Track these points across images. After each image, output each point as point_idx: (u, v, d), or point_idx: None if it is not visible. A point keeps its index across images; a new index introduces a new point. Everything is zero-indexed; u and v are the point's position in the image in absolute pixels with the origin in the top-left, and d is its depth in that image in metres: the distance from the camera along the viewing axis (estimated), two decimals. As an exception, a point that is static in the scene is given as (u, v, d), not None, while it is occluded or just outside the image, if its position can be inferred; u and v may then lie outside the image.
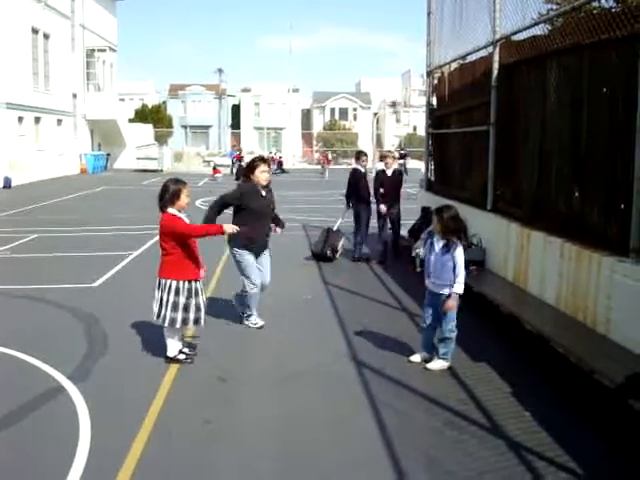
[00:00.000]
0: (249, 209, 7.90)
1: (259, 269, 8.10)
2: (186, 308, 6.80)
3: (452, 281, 6.69)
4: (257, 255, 8.09)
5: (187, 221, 6.88)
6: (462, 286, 6.72)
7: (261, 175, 7.95)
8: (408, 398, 6.21)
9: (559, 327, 7.19)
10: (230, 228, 7.10)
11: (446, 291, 6.75)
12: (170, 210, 6.79)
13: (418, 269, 7.11)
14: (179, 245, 6.76)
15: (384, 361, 7.16)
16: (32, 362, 6.93)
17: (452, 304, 6.72)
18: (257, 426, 5.61)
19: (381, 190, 12.92)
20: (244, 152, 46.30)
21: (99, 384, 6.43)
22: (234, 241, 7.92)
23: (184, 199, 6.84)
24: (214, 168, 41.78)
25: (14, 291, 10.14)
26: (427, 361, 7.04)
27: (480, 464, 4.94)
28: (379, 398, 6.16)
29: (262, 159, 8.25)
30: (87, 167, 43.38)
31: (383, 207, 12.80)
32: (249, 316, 8.26)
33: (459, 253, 6.71)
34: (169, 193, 6.78)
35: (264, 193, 8.07)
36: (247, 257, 7.97)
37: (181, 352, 7.03)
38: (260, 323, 8.24)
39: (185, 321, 6.83)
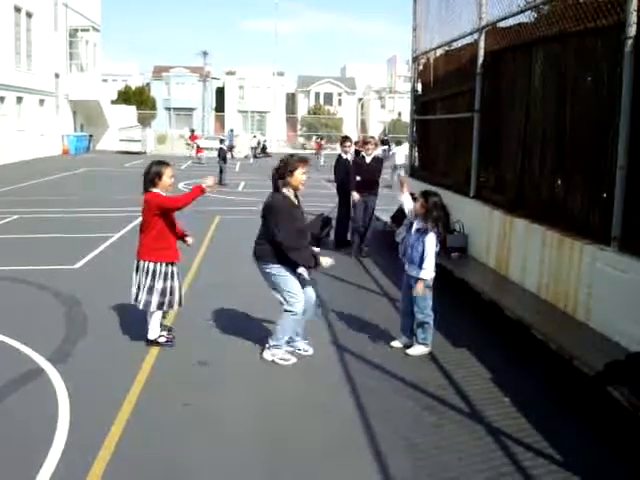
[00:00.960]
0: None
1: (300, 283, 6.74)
2: (163, 292, 6.78)
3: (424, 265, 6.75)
4: (294, 270, 6.70)
5: None
6: (429, 272, 6.76)
7: (300, 177, 6.57)
8: (388, 383, 6.23)
9: (540, 314, 7.22)
10: (211, 180, 6.78)
11: (415, 273, 6.80)
12: (153, 190, 6.77)
13: (400, 254, 7.12)
14: (160, 226, 6.74)
15: (365, 346, 7.18)
16: (11, 344, 6.87)
17: (420, 289, 6.77)
18: (237, 410, 5.61)
19: (357, 178, 12.04)
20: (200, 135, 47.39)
21: (79, 366, 6.40)
22: (266, 257, 6.57)
23: (166, 180, 6.80)
24: (198, 147, 41.87)
25: (-6, 272, 10.06)
26: (407, 346, 7.06)
27: (459, 449, 4.97)
28: (360, 383, 6.18)
29: (302, 160, 6.75)
30: (69, 148, 42.95)
31: (357, 196, 12.02)
32: (276, 346, 6.73)
33: (430, 239, 6.73)
34: (150, 174, 6.77)
35: (296, 201, 6.70)
36: (281, 268, 6.54)
37: (162, 335, 7.01)
38: (292, 360, 6.76)
39: (161, 305, 6.81)
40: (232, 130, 50.66)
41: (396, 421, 5.45)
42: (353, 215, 12.40)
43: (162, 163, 6.92)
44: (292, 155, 6.85)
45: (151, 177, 6.76)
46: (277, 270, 6.54)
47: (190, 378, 6.26)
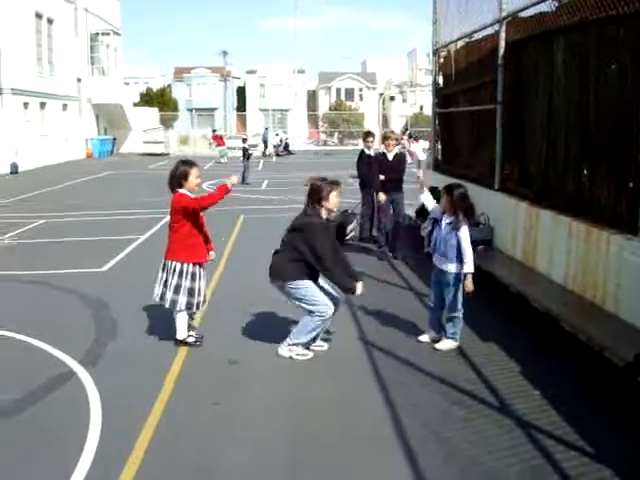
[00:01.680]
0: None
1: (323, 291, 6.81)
2: (190, 292, 6.81)
3: (456, 259, 6.72)
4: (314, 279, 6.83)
5: None
6: (472, 265, 6.72)
7: (335, 200, 6.71)
8: (417, 378, 6.22)
9: (568, 306, 7.17)
10: (235, 179, 6.87)
11: (450, 268, 6.77)
12: (180, 191, 6.80)
13: (426, 249, 7.10)
14: (188, 226, 6.77)
15: (393, 341, 7.17)
16: (42, 347, 6.96)
17: (469, 285, 6.73)
18: (267, 408, 5.64)
19: (381, 177, 11.47)
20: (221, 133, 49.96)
21: (109, 368, 6.47)
22: (289, 273, 6.67)
23: (192, 180, 6.83)
24: (220, 137, 42.70)
25: (23, 276, 10.18)
26: (436, 341, 7.05)
27: (489, 442, 4.96)
28: (388, 378, 6.18)
29: (334, 183, 6.80)
30: (93, 152, 43.33)
31: (383, 196, 11.40)
32: (296, 344, 6.80)
33: (464, 232, 6.70)
34: (177, 175, 6.80)
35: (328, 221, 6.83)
36: (308, 282, 6.65)
37: (190, 335, 7.05)
38: (310, 354, 6.85)
39: (190, 305, 6.85)
40: (267, 128, 53.15)
41: (425, 415, 5.44)
42: (378, 216, 12.01)
43: (188, 163, 6.92)
44: (323, 179, 6.86)
45: (177, 177, 6.79)
46: (300, 284, 6.63)
47: (219, 377, 6.29)
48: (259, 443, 5.02)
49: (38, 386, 5.96)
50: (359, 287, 6.69)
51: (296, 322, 6.92)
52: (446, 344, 6.95)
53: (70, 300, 8.89)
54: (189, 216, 6.78)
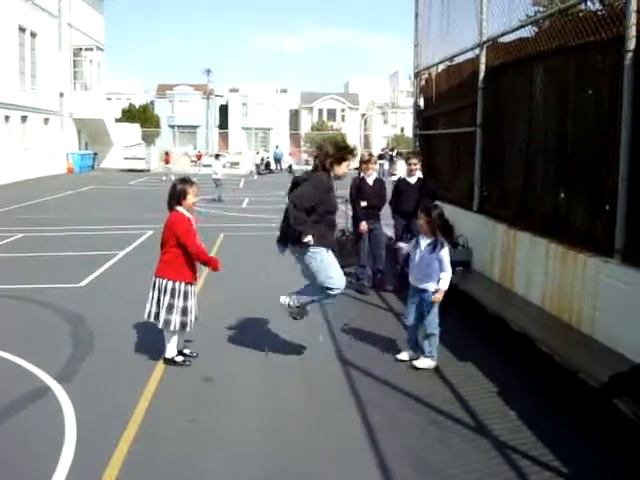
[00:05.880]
0: (326, 207, 6.76)
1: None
2: (184, 311, 6.77)
3: (435, 278, 6.78)
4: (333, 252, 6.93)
5: (194, 224, 6.92)
6: (447, 282, 6.81)
7: (346, 169, 6.94)
8: (394, 397, 6.23)
9: (544, 327, 7.22)
10: (222, 269, 7.03)
11: (429, 286, 6.83)
12: (178, 209, 6.82)
13: (402, 267, 7.14)
14: (181, 245, 6.76)
15: (370, 360, 7.18)
16: (18, 362, 6.89)
17: (438, 297, 6.81)
18: (243, 426, 5.61)
19: (362, 203, 10.31)
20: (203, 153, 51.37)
21: (85, 384, 6.41)
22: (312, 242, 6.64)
23: (190, 198, 6.85)
24: (166, 154, 41.51)
25: None
26: (413, 359, 7.07)
27: (465, 462, 4.97)
28: (366, 397, 6.18)
29: (351, 152, 7.02)
30: (74, 166, 43.11)
31: (364, 225, 10.25)
32: (298, 306, 6.99)
33: (445, 253, 6.78)
34: (175, 193, 6.82)
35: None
36: (327, 254, 6.71)
37: (179, 354, 6.99)
38: (300, 318, 7.15)
39: (183, 325, 6.79)
40: (277, 146, 56.75)
41: (402, 434, 5.45)
42: (359, 249, 10.61)
43: (187, 181, 6.95)
44: (344, 146, 7.06)
45: (176, 195, 6.81)
46: (320, 255, 6.68)
47: (195, 395, 6.26)
48: (234, 461, 5.00)
49: (11, 402, 5.89)
50: (309, 237, 6.60)
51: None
52: (424, 362, 6.97)
53: (47, 315, 8.81)
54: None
